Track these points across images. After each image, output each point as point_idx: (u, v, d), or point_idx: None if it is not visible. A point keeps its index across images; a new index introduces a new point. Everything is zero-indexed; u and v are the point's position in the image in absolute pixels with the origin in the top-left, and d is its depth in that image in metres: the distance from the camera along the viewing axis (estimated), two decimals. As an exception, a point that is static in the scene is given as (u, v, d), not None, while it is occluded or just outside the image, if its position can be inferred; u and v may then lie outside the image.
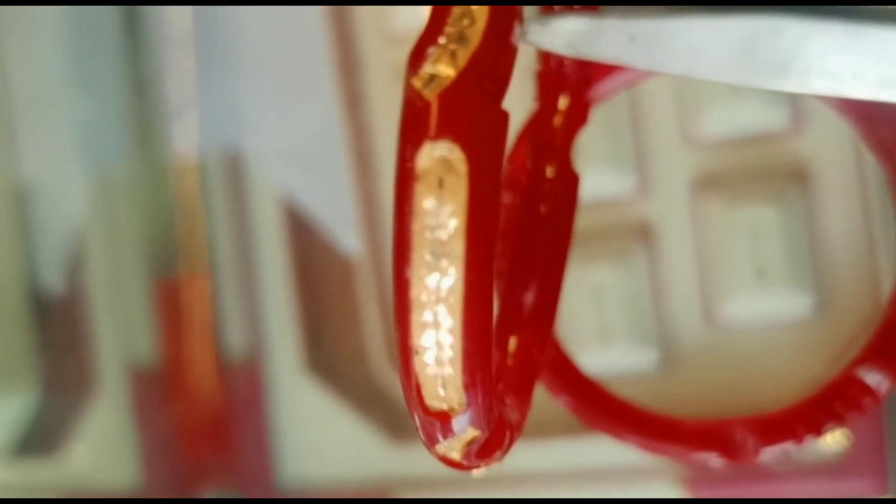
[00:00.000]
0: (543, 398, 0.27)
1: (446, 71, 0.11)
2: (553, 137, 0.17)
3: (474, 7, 0.12)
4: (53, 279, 0.32)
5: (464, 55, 0.11)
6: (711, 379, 0.24)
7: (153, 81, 0.31)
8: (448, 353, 0.12)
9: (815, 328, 0.23)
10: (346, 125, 0.28)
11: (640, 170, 0.25)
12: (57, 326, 0.33)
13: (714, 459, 0.20)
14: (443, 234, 0.11)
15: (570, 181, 0.17)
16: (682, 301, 0.24)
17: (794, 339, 0.24)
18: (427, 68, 0.11)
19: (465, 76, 0.11)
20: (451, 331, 0.11)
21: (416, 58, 0.11)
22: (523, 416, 0.15)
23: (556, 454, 0.26)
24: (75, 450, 0.31)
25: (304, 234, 0.29)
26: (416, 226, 0.11)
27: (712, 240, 0.24)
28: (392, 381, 0.28)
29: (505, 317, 0.15)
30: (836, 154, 0.23)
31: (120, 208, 0.31)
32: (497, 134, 0.11)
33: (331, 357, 0.29)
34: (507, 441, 0.14)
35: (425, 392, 0.12)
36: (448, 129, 0.11)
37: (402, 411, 0.28)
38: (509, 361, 0.15)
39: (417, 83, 0.11)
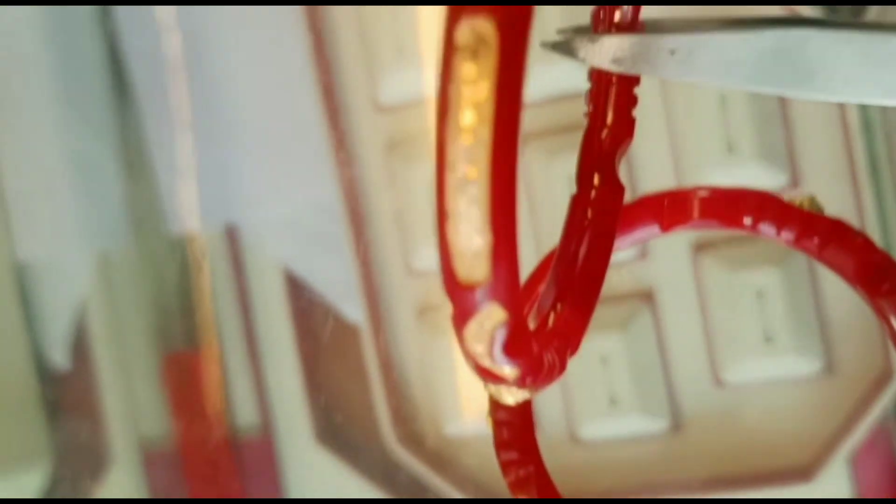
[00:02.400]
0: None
1: None
2: (601, 149, 0.18)
3: None
4: (60, 356, 0.32)
5: None
6: (721, 441, 0.24)
7: (149, 159, 0.30)
8: (476, 213, 0.13)
9: (823, 389, 0.23)
10: (341, 195, 0.28)
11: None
12: (66, 403, 0.32)
13: None
14: (476, 96, 0.13)
15: (615, 189, 0.18)
16: (690, 365, 0.24)
17: (803, 400, 0.23)
18: None
19: None
20: (478, 187, 0.13)
21: None
22: (554, 372, 0.15)
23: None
24: (91, 528, 0.31)
25: (306, 305, 0.29)
26: (452, 90, 0.13)
27: (717, 303, 0.24)
28: (399, 451, 0.28)
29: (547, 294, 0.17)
30: (836, 211, 0.23)
31: (122, 284, 0.31)
32: (524, 17, 0.13)
33: (339, 426, 0.29)
34: (540, 370, 0.14)
35: (456, 262, 0.13)
36: (483, 8, 0.13)
37: (409, 480, 0.28)
38: (549, 327, 0.15)
39: None
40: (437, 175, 0.13)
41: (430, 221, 0.26)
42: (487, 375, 0.14)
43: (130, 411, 0.31)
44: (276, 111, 0.28)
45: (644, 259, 0.25)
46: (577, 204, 0.18)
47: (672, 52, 0.16)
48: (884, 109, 0.23)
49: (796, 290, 0.23)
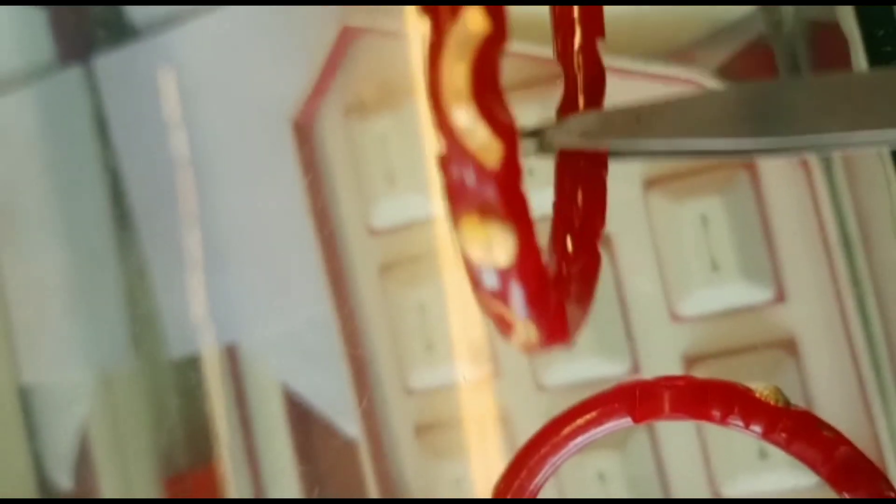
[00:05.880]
0: None
1: None
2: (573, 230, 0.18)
3: None
4: (63, 478, 0.32)
5: None
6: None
7: (149, 280, 0.31)
8: None
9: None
10: (336, 314, 0.28)
11: (631, 351, 0.25)
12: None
13: None
14: None
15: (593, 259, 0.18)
16: (686, 482, 0.25)
17: None
18: None
19: None
20: None
21: None
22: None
23: None
24: None
25: (305, 422, 0.29)
26: None
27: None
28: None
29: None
30: (822, 324, 0.24)
31: (123, 404, 0.31)
32: None
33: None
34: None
35: None
36: None
37: None
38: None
39: None
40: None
41: (425, 342, 0.27)
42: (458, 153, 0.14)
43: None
44: (272, 233, 0.29)
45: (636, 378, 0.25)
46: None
47: (638, 119, 0.16)
48: (860, 225, 0.23)
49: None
